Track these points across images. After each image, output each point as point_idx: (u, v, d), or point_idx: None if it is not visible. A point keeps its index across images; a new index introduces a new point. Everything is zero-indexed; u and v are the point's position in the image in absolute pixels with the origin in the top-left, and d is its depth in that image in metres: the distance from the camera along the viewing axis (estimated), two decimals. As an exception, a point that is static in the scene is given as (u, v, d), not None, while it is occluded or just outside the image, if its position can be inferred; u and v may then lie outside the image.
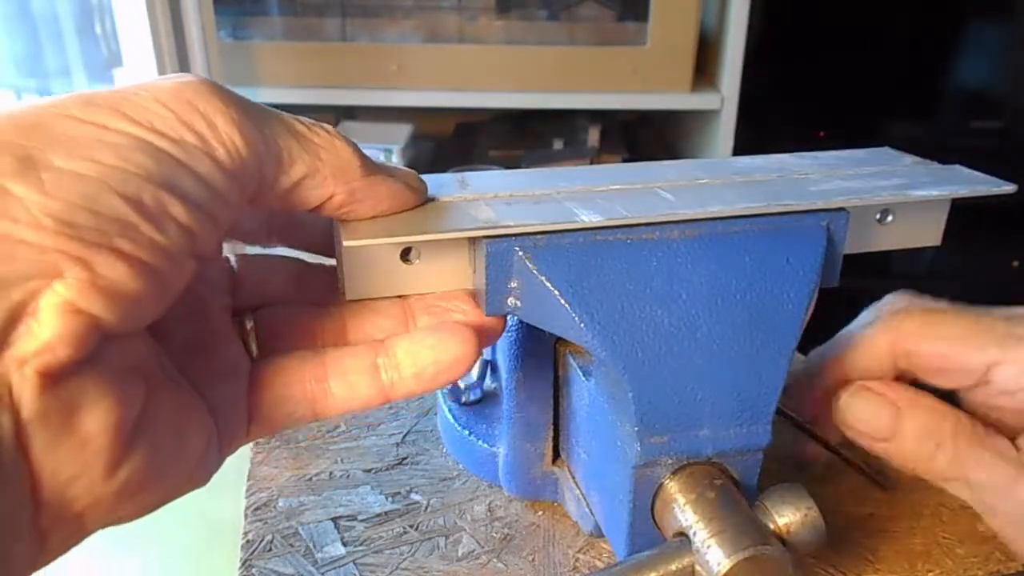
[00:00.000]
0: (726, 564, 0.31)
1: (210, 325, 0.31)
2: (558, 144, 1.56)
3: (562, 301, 0.34)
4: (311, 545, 0.43)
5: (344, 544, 0.43)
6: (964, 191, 0.40)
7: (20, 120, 0.22)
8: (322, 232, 0.36)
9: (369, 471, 0.48)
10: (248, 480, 0.47)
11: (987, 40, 1.64)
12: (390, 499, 0.46)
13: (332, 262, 0.36)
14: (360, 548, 0.42)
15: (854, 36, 1.59)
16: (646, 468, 0.34)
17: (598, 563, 0.42)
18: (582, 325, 0.34)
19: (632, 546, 0.36)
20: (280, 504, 0.45)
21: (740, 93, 1.37)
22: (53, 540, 0.22)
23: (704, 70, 1.44)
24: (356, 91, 1.39)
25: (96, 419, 0.22)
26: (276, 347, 0.32)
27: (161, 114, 0.24)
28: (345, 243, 0.32)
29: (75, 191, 0.21)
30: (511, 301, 0.36)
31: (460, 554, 0.42)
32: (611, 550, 0.41)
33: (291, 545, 0.43)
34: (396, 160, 1.42)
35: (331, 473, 0.48)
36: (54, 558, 0.23)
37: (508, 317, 0.37)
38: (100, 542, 0.24)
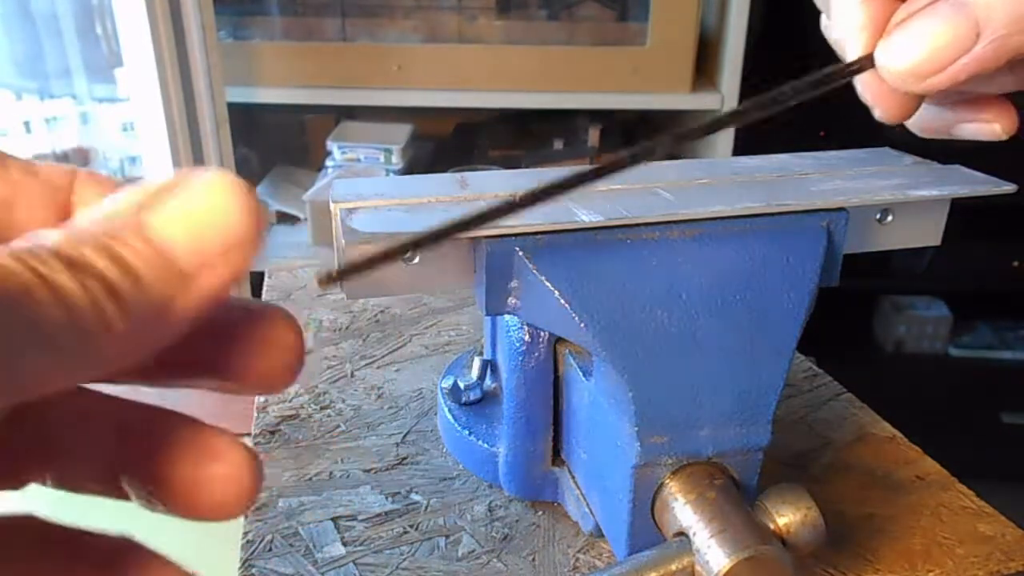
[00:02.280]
0: (726, 564, 0.31)
1: None
2: (558, 144, 1.56)
3: (562, 301, 0.34)
4: (311, 545, 0.43)
5: (344, 544, 0.43)
6: (964, 191, 0.40)
7: None
8: None
9: (369, 471, 0.48)
10: (248, 480, 0.47)
11: (987, 40, 1.64)
12: (390, 499, 0.46)
13: None
14: (360, 548, 0.42)
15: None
16: (646, 468, 0.34)
17: (598, 563, 0.42)
18: (582, 325, 0.34)
19: (632, 546, 0.36)
20: (280, 504, 0.45)
21: (740, 93, 1.37)
22: None
23: (704, 70, 1.44)
24: (356, 91, 1.39)
25: None
26: None
27: None
28: (344, 242, 0.32)
29: None
30: (511, 301, 0.36)
31: (460, 554, 0.42)
32: (611, 550, 0.41)
33: (291, 545, 0.43)
34: (396, 160, 1.42)
35: (331, 473, 0.48)
36: None
37: (508, 316, 0.37)
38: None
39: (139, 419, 0.21)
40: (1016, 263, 1.68)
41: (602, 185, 0.39)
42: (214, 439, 0.20)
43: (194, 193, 0.18)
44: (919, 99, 0.31)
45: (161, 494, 0.20)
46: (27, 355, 0.15)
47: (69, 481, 0.21)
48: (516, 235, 0.34)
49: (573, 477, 0.43)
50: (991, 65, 0.28)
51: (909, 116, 0.32)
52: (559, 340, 0.41)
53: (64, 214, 0.20)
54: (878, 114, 0.32)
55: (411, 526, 0.44)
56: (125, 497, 0.21)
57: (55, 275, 0.16)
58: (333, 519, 0.44)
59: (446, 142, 1.64)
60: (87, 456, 0.21)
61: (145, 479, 0.20)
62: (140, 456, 0.20)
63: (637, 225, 0.36)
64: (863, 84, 0.31)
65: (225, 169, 0.18)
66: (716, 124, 0.27)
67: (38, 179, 0.20)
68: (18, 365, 0.15)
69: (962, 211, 0.43)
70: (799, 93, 0.28)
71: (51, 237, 0.17)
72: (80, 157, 1.41)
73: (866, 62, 0.30)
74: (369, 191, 0.38)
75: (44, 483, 0.21)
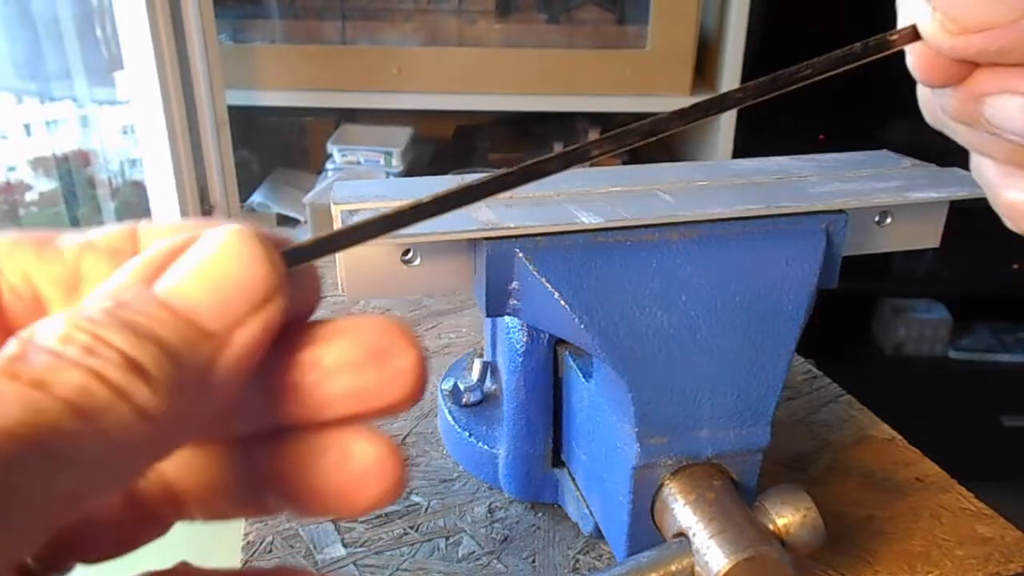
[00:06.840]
0: (725, 564, 0.31)
1: None
2: (558, 147, 1.57)
3: (562, 302, 0.34)
4: (311, 546, 0.43)
5: (344, 545, 0.43)
6: (962, 193, 0.40)
7: None
8: None
9: (369, 473, 0.48)
10: (248, 482, 0.47)
11: (986, 43, 1.64)
12: (390, 500, 0.46)
13: None
14: (361, 549, 0.42)
15: (853, 38, 1.59)
16: (646, 469, 0.35)
17: (598, 564, 0.42)
18: (582, 326, 0.34)
19: (632, 547, 0.36)
20: (280, 505, 0.45)
21: (739, 96, 1.37)
22: None
23: (704, 73, 1.45)
24: (356, 94, 1.39)
25: None
26: None
27: None
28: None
29: None
30: (511, 302, 0.36)
31: (460, 555, 0.42)
32: (611, 551, 0.41)
33: (291, 546, 0.43)
34: (396, 163, 1.42)
35: (331, 475, 0.48)
36: None
37: (508, 318, 0.37)
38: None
39: (267, 443, 0.19)
40: (1015, 266, 1.68)
41: (602, 187, 0.39)
42: (349, 439, 0.19)
43: (208, 250, 0.16)
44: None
45: (311, 506, 0.19)
46: (53, 485, 0.13)
47: (213, 515, 0.20)
48: (516, 237, 0.35)
49: (573, 478, 0.43)
50: None
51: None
52: (559, 342, 0.41)
53: None
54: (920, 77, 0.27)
55: (411, 527, 0.44)
56: (269, 513, 0.20)
57: (59, 376, 0.14)
58: (333, 520, 0.44)
59: (446, 145, 1.64)
60: (226, 494, 0.20)
61: (291, 496, 0.19)
62: (280, 477, 0.19)
63: (637, 227, 0.36)
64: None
65: (235, 222, 0.17)
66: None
67: (98, 251, 0.18)
68: (36, 504, 0.13)
69: (961, 213, 0.43)
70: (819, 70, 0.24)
71: (49, 328, 0.15)
72: (80, 159, 1.41)
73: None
74: (370, 193, 0.38)
75: (192, 520, 0.20)
